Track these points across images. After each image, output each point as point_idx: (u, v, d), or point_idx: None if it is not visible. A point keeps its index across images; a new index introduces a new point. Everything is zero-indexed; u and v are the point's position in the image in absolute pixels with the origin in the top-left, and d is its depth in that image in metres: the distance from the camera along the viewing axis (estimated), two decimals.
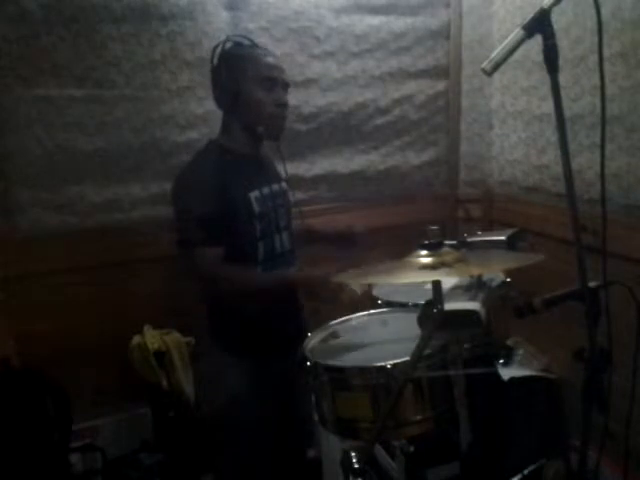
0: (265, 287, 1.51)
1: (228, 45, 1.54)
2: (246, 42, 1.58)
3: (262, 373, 1.57)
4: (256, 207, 1.50)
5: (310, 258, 1.78)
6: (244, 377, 1.56)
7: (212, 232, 1.43)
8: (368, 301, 1.59)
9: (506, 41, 0.94)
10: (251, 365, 1.56)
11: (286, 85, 1.55)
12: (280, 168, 1.70)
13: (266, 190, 1.56)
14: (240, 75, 1.48)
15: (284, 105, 1.53)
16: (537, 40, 0.93)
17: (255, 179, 1.55)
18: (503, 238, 1.39)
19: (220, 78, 1.50)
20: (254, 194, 1.51)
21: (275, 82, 1.50)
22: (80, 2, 1.94)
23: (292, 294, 1.66)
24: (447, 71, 2.59)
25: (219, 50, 1.53)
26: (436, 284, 1.06)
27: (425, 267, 1.05)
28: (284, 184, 1.68)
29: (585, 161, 1.94)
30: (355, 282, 1.48)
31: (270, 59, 1.52)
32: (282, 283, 1.51)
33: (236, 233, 1.47)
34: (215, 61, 1.52)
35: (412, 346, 1.04)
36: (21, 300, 2.00)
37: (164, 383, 2.02)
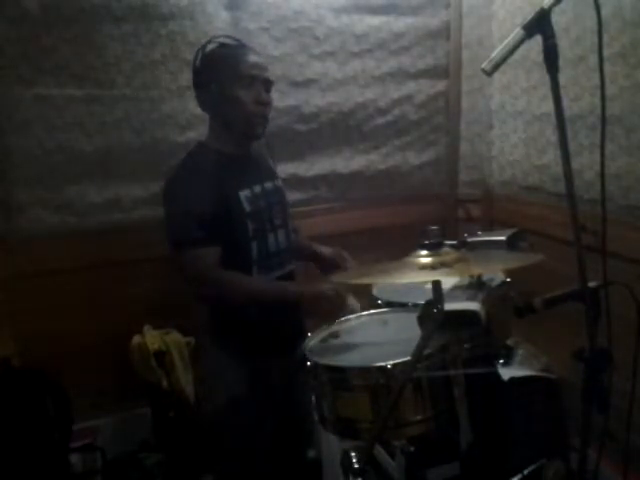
0: (264, 296, 1.49)
1: (210, 47, 1.53)
2: (231, 42, 1.56)
3: (262, 373, 1.57)
4: (247, 206, 1.49)
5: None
6: (244, 377, 1.56)
7: (206, 233, 1.42)
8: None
9: (506, 41, 0.94)
10: (251, 365, 1.56)
11: (268, 83, 1.53)
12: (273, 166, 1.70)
13: (257, 189, 1.55)
14: (219, 75, 1.47)
15: (265, 103, 1.51)
16: (537, 40, 0.93)
17: (245, 178, 1.53)
18: (503, 238, 1.39)
19: (201, 80, 1.50)
20: (244, 193, 1.50)
21: (255, 80, 1.48)
22: (80, 2, 1.94)
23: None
24: (447, 71, 2.59)
25: (200, 53, 1.52)
26: (436, 284, 1.06)
27: (425, 267, 1.05)
28: (279, 182, 1.67)
29: (585, 161, 1.94)
30: (353, 294, 1.46)
31: (250, 57, 1.50)
32: (283, 294, 1.49)
33: (228, 233, 1.46)
34: (197, 63, 1.52)
35: (412, 346, 1.04)
36: (21, 300, 2.00)
37: (164, 383, 2.02)
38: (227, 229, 1.46)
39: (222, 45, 1.55)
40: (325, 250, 1.74)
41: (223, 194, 1.46)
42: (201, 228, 1.42)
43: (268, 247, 1.55)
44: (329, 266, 1.71)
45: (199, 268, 1.43)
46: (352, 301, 1.47)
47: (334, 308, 1.41)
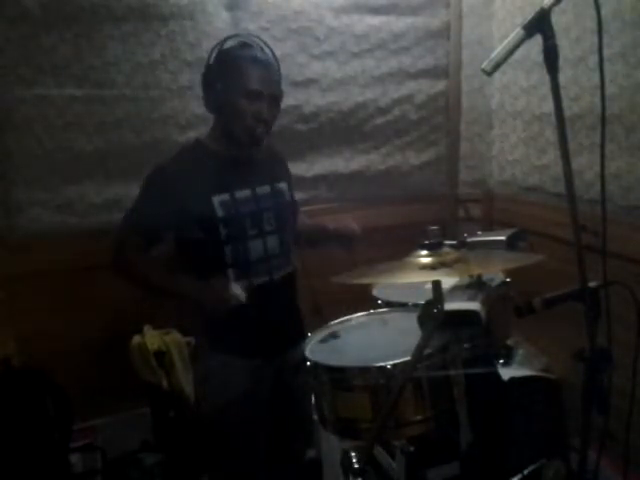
0: (161, 289, 1.55)
1: (228, 45, 1.51)
2: (253, 42, 1.53)
3: (259, 373, 1.57)
4: (220, 211, 1.47)
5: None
6: (242, 377, 1.55)
7: (155, 225, 1.46)
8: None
9: (506, 41, 0.94)
10: (248, 365, 1.55)
11: (274, 98, 1.51)
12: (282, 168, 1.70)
13: (244, 193, 1.53)
14: (226, 78, 1.45)
15: (264, 120, 1.48)
16: (537, 40, 0.93)
17: (229, 182, 1.51)
18: (503, 238, 1.39)
19: (210, 77, 1.49)
20: (220, 198, 1.48)
21: (260, 95, 1.46)
22: (80, 2, 1.94)
23: (287, 294, 1.65)
24: (447, 71, 2.59)
25: (216, 50, 1.50)
26: (436, 284, 1.06)
27: (425, 267, 1.05)
28: (282, 185, 1.64)
29: (585, 161, 1.94)
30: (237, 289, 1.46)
31: (260, 70, 1.47)
32: (179, 291, 1.52)
33: (196, 235, 1.48)
34: (211, 60, 1.50)
35: (412, 346, 1.04)
36: (21, 300, 2.00)
37: (164, 383, 2.02)
38: (196, 231, 1.47)
39: (241, 46, 1.51)
40: (335, 228, 1.74)
41: (197, 197, 1.45)
42: (153, 219, 1.45)
43: (249, 253, 1.52)
44: (343, 240, 1.72)
45: (123, 243, 1.51)
46: (235, 289, 1.47)
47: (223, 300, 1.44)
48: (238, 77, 1.45)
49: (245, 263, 1.52)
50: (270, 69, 1.51)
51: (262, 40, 1.56)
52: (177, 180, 1.45)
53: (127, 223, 1.53)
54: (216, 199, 1.48)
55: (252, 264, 1.53)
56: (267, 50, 1.55)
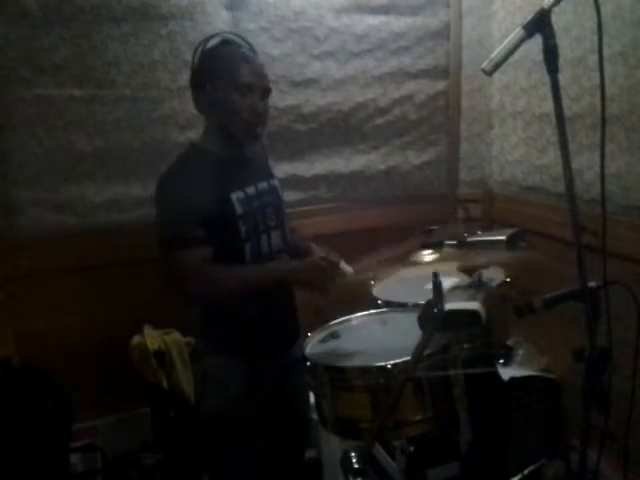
0: (258, 282, 1.46)
1: (211, 44, 1.50)
2: (233, 39, 1.53)
3: (257, 372, 1.57)
4: (239, 208, 1.47)
5: None
6: (240, 377, 1.55)
7: (194, 233, 1.41)
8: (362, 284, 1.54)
9: (506, 41, 0.94)
10: (246, 365, 1.55)
11: (266, 91, 1.50)
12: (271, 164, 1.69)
13: (251, 190, 1.53)
14: (216, 77, 1.44)
15: (259, 113, 1.47)
16: (537, 40, 0.93)
17: (239, 179, 1.51)
18: (503, 238, 1.40)
19: (197, 79, 1.47)
20: (237, 195, 1.48)
21: (251, 88, 1.45)
22: (80, 2, 1.94)
23: (285, 293, 1.65)
24: (447, 71, 2.59)
25: (200, 51, 1.49)
26: (436, 284, 1.06)
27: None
28: (275, 181, 1.65)
29: (585, 161, 1.94)
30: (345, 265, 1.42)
31: (249, 64, 1.46)
32: (277, 275, 1.47)
33: (219, 235, 1.44)
34: (196, 61, 1.48)
35: (412, 346, 1.04)
36: (21, 300, 2.00)
37: (164, 383, 2.02)
38: (219, 231, 1.45)
39: (223, 43, 1.51)
40: (316, 250, 1.71)
41: (215, 196, 1.44)
42: (190, 229, 1.40)
43: (261, 249, 1.52)
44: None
45: (184, 268, 1.41)
46: (343, 265, 1.44)
47: (328, 275, 1.38)
48: (228, 74, 1.44)
49: (259, 259, 1.52)
50: (257, 63, 1.51)
51: (240, 36, 1.55)
52: (195, 184, 1.42)
53: (182, 244, 1.41)
54: (234, 196, 1.48)
55: (264, 260, 1.53)
56: (246, 45, 1.54)
